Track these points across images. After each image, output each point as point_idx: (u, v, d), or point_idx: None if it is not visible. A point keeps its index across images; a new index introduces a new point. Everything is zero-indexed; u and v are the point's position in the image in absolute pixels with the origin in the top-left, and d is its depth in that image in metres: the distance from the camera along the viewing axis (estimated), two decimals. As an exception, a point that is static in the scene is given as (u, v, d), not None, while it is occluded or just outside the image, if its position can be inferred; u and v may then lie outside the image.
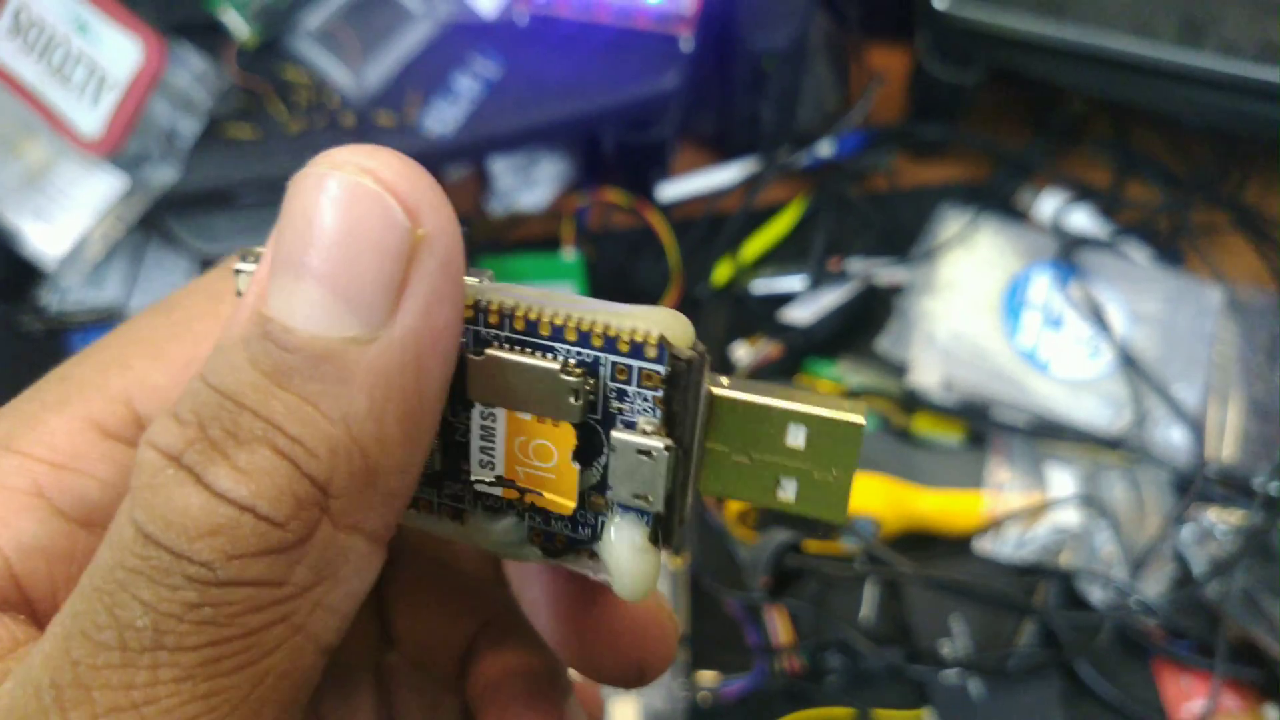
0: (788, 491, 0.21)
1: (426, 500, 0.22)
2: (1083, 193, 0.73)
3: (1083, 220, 0.72)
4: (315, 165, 0.18)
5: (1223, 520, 0.61)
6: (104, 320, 0.69)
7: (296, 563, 0.18)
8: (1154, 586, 0.60)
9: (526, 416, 0.20)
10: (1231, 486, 0.63)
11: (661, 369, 0.19)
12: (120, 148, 0.60)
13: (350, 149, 0.18)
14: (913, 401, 0.65)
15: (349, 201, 0.17)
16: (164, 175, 0.61)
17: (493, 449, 0.21)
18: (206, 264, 0.69)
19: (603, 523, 0.21)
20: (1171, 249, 0.72)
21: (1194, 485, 0.62)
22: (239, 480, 0.17)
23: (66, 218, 0.61)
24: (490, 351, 0.20)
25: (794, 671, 0.59)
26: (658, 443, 0.19)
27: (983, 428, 0.65)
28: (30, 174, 0.61)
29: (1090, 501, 0.61)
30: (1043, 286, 0.68)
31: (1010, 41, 0.65)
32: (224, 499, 0.17)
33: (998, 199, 0.74)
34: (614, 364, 0.19)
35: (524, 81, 0.63)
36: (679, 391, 0.19)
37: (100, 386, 0.22)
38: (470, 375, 0.20)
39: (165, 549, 0.17)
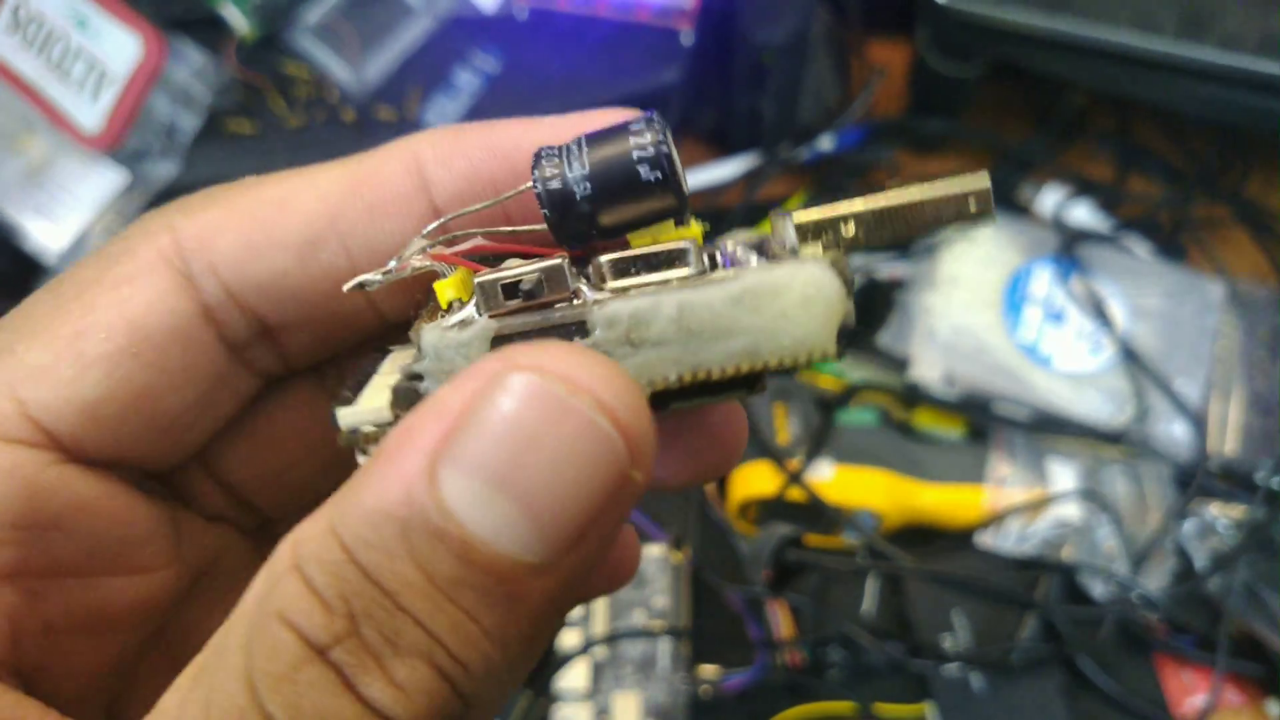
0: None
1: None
2: (1084, 187, 0.73)
3: (1084, 215, 0.72)
4: (546, 367, 0.16)
5: (1224, 515, 0.61)
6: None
7: None
8: (1155, 581, 0.60)
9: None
10: (1233, 481, 0.63)
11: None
12: (120, 143, 0.60)
13: (573, 360, 0.17)
14: (914, 396, 0.65)
15: (581, 436, 0.16)
16: (164, 170, 0.61)
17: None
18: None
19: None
20: (1173, 243, 0.72)
21: (1195, 480, 0.62)
22: (396, 698, 0.16)
23: (67, 213, 0.61)
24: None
25: (795, 665, 0.59)
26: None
27: (984, 422, 0.65)
28: (31, 169, 0.61)
29: (1091, 496, 0.61)
30: (1044, 281, 0.68)
31: (1010, 35, 0.64)
32: (376, 714, 0.16)
33: (999, 194, 0.73)
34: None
35: (524, 76, 0.63)
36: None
37: None
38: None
39: None
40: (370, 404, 0.20)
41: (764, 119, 0.73)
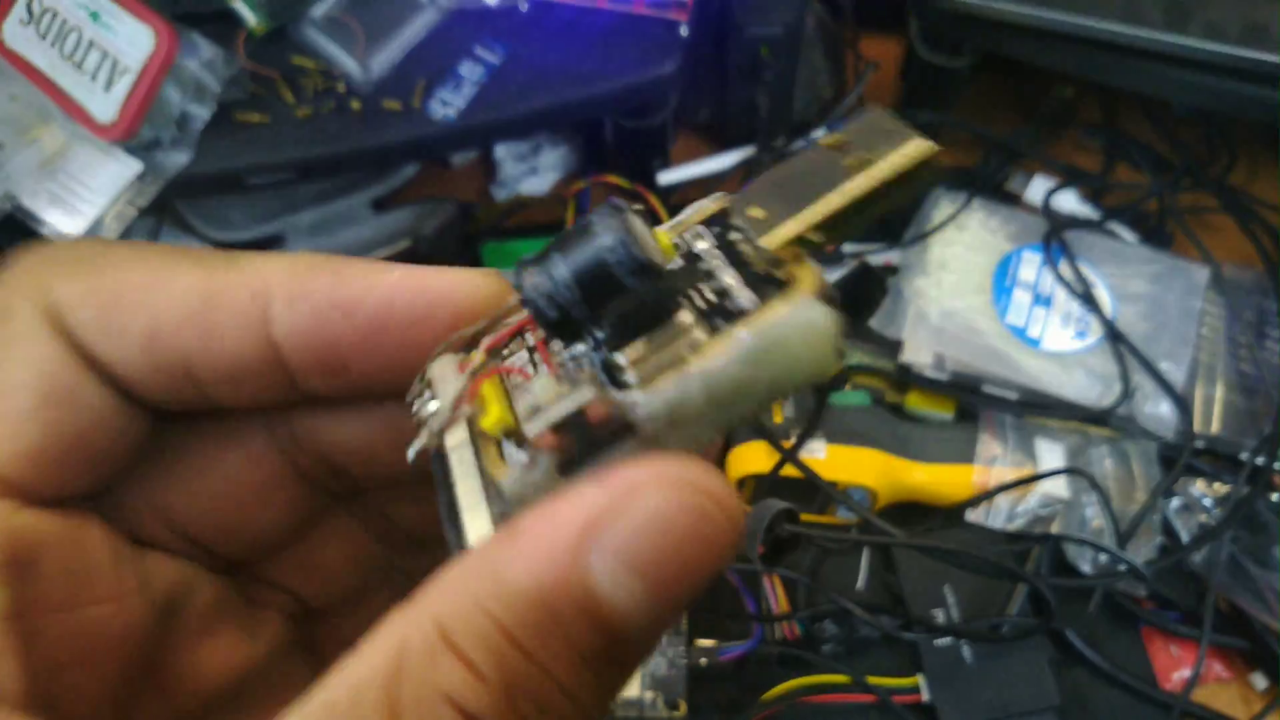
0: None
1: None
2: (1072, 176, 0.75)
3: (1072, 203, 0.73)
4: (689, 478, 0.19)
5: (1209, 492, 0.63)
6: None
7: None
8: (1142, 556, 0.61)
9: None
10: (1218, 459, 0.64)
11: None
12: (133, 133, 0.62)
13: (704, 473, 0.19)
14: (906, 378, 0.67)
15: (715, 540, 0.19)
16: (176, 159, 0.63)
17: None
18: (218, 249, 0.71)
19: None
20: (1159, 230, 0.74)
21: (1181, 458, 0.63)
22: None
23: (81, 202, 0.63)
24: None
25: (790, 638, 0.60)
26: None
27: (974, 403, 0.66)
28: (45, 159, 0.63)
29: (1079, 474, 0.63)
30: (1033, 266, 0.69)
31: (999, 25, 0.66)
32: None
33: (989, 183, 0.75)
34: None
35: (526, 67, 0.65)
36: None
37: None
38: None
39: None
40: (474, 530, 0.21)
41: (760, 112, 0.75)
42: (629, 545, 0.18)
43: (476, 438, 0.22)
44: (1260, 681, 0.60)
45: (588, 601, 0.18)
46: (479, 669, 0.17)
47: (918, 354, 0.66)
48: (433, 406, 0.22)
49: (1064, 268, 0.69)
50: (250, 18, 0.64)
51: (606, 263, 0.20)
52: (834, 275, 0.74)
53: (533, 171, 0.75)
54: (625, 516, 0.18)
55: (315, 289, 0.24)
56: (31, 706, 0.21)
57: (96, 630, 0.24)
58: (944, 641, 0.59)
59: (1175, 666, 0.60)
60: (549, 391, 0.20)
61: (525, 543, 0.19)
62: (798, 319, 0.20)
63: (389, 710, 0.17)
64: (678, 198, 0.76)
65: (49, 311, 0.23)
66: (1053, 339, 0.67)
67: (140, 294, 0.23)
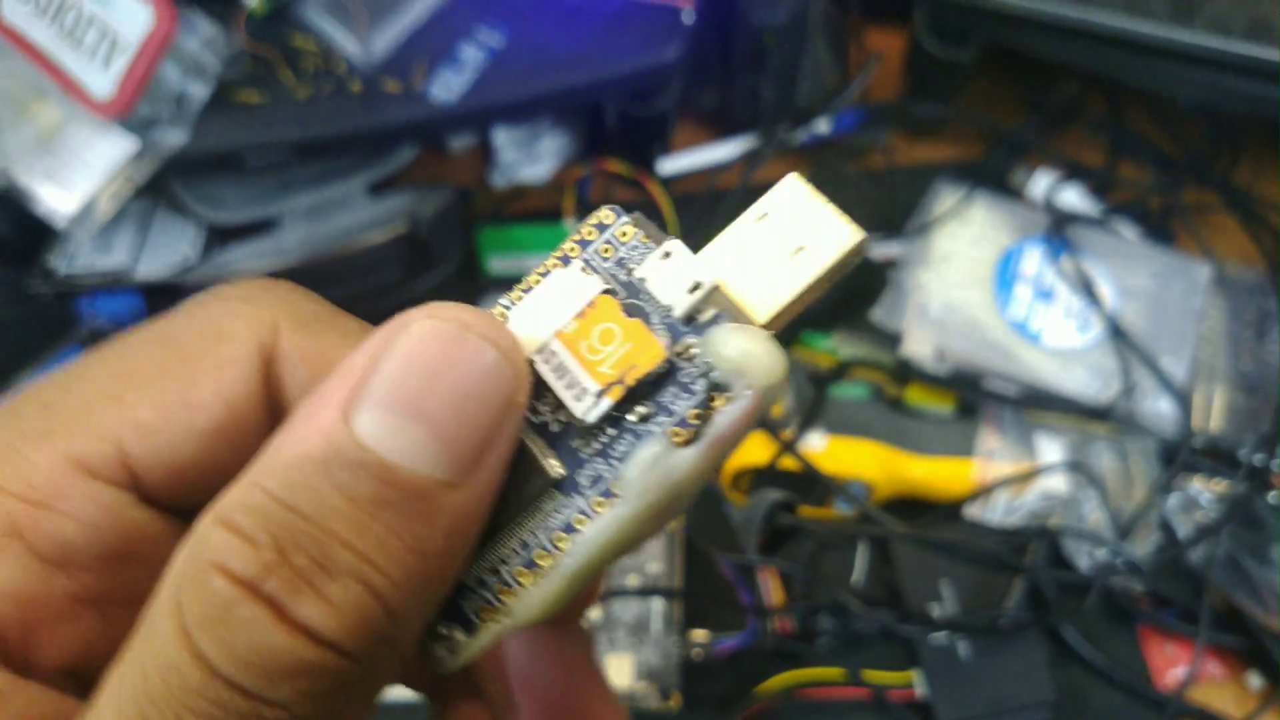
0: (808, 258, 0.22)
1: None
2: (1076, 172, 0.75)
3: (1075, 199, 0.73)
4: (438, 314, 0.19)
5: (1208, 489, 0.62)
6: (111, 285, 0.70)
7: (358, 694, 0.18)
8: (1140, 553, 0.61)
9: (571, 326, 0.22)
10: (1217, 457, 0.64)
11: (628, 218, 0.23)
12: (130, 110, 0.61)
13: (462, 309, 0.20)
14: (906, 372, 0.67)
15: (475, 362, 0.19)
16: (173, 138, 0.62)
17: (572, 374, 0.22)
18: (213, 231, 0.70)
19: (702, 360, 0.21)
20: (1162, 227, 0.73)
21: (1180, 455, 0.63)
22: (329, 613, 0.17)
23: (77, 179, 0.62)
24: (512, 311, 0.22)
25: (786, 632, 0.60)
26: (668, 244, 0.22)
27: (974, 398, 0.66)
28: (42, 135, 0.62)
29: (1078, 470, 0.63)
30: (1034, 260, 0.69)
31: (1005, 17, 0.66)
32: (311, 636, 0.17)
33: (992, 177, 0.75)
34: (596, 249, 0.23)
35: (527, 51, 0.64)
36: (651, 227, 0.23)
37: (86, 420, 0.21)
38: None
39: (242, 691, 0.16)
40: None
41: (763, 101, 0.74)
42: (390, 389, 0.18)
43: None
44: (1255, 680, 0.60)
45: (360, 453, 0.18)
46: (246, 534, 0.17)
47: (918, 347, 0.66)
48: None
49: (1066, 263, 0.69)
50: (251, -3, 0.64)
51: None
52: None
53: (532, 158, 0.75)
54: (384, 366, 0.19)
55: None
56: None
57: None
58: (940, 637, 0.59)
59: (1170, 665, 0.60)
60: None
61: (297, 421, 0.19)
62: (761, 400, 0.21)
63: (173, 599, 0.17)
64: (678, 187, 0.75)
65: (266, 349, 0.23)
66: (1054, 334, 0.66)
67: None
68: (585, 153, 0.75)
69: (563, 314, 0.22)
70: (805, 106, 0.76)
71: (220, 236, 0.70)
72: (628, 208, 0.23)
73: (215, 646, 0.16)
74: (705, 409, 0.21)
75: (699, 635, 0.59)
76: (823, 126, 0.76)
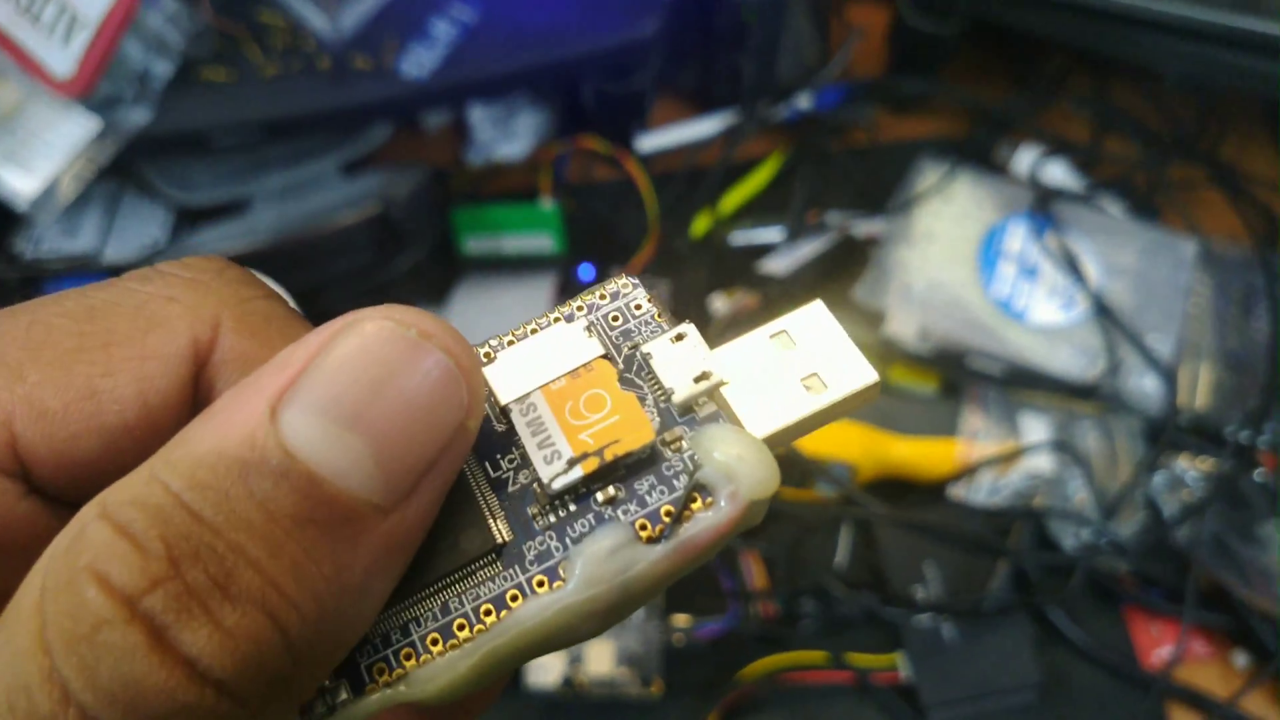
0: (817, 388, 0.21)
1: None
2: (1060, 147, 0.74)
3: (1060, 174, 0.72)
4: (394, 315, 0.17)
5: (1194, 468, 0.62)
6: (78, 269, 0.68)
7: None
8: (1126, 532, 0.60)
9: (560, 383, 0.20)
10: (1203, 435, 0.63)
11: (645, 290, 0.21)
12: (92, 89, 0.59)
13: (423, 314, 0.17)
14: (889, 352, 0.66)
15: (429, 375, 0.17)
16: (137, 117, 0.60)
17: (548, 433, 0.20)
18: (183, 213, 0.69)
19: (690, 456, 0.20)
20: (1148, 204, 0.72)
21: (1166, 433, 0.62)
22: (221, 645, 0.14)
23: (38, 159, 0.60)
24: (499, 355, 0.21)
25: (768, 616, 0.59)
26: (683, 326, 0.21)
27: (958, 377, 0.65)
28: (0, 116, 0.61)
29: (1063, 449, 0.62)
30: (1019, 237, 0.68)
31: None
32: (193, 671, 0.14)
33: (976, 153, 0.74)
34: (605, 314, 0.21)
35: (501, 26, 0.63)
36: (665, 305, 0.22)
37: None
38: (492, 385, 0.20)
39: None
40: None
41: (743, 77, 0.73)
42: (329, 390, 0.16)
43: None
44: (1241, 659, 0.59)
45: (284, 459, 0.15)
46: (135, 537, 0.14)
47: (901, 326, 0.65)
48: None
49: (1051, 240, 0.68)
50: (216, -29, 0.62)
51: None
52: (815, 246, 0.73)
53: (508, 136, 0.73)
54: (326, 363, 0.16)
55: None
56: None
57: None
58: (924, 619, 0.58)
59: (1156, 644, 0.60)
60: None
61: (217, 412, 0.16)
62: (759, 508, 0.20)
63: (37, 604, 0.14)
64: (657, 165, 0.74)
65: (198, 347, 0.20)
66: (1039, 312, 0.65)
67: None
68: (562, 130, 0.74)
69: (554, 368, 0.20)
70: (786, 82, 0.75)
71: (190, 218, 0.68)
72: (648, 282, 0.22)
73: (75, 671, 0.14)
74: (682, 509, 0.19)
75: (680, 620, 0.59)
76: (804, 102, 0.75)
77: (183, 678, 0.14)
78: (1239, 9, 0.61)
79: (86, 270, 0.67)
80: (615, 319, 0.21)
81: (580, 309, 0.21)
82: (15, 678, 0.14)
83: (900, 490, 0.63)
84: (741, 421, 0.20)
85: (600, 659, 0.57)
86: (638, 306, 0.21)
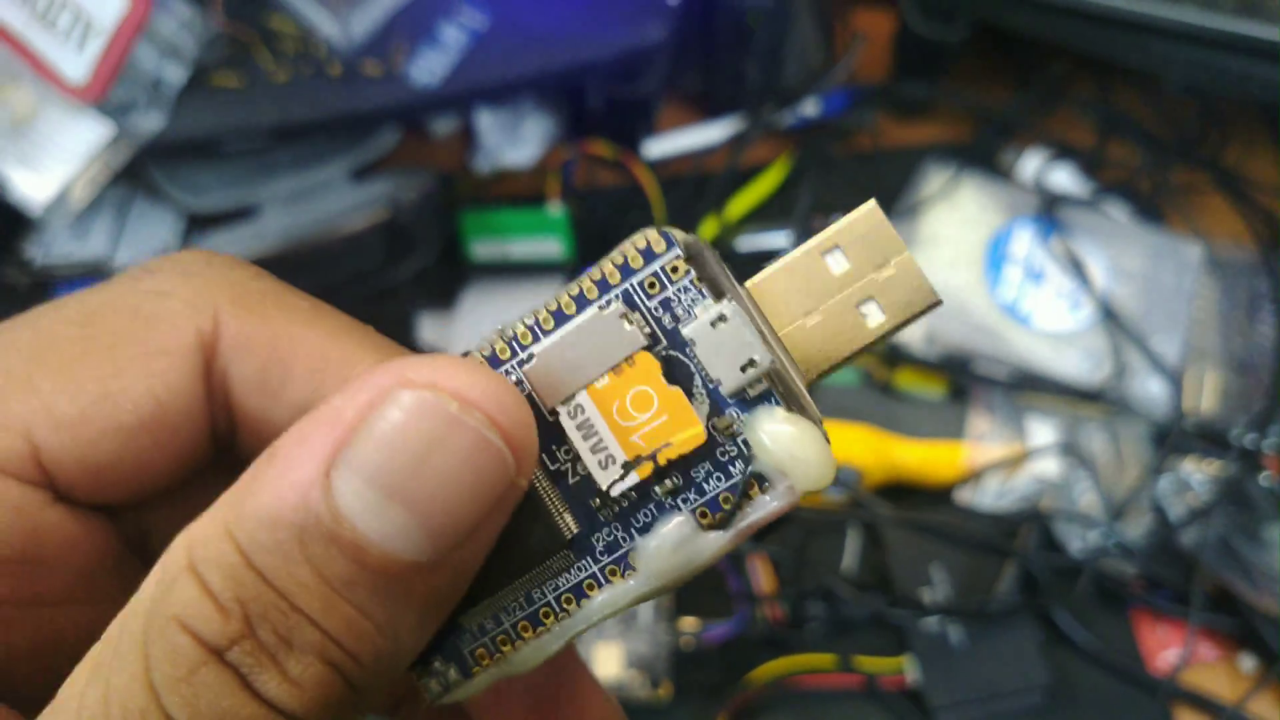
0: (874, 314, 0.20)
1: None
2: (1065, 152, 0.74)
3: (1064, 179, 0.72)
4: (438, 381, 0.17)
5: (1200, 471, 0.62)
6: (89, 274, 0.69)
7: None
8: (1132, 535, 0.61)
9: (604, 380, 0.20)
10: (1209, 439, 0.63)
11: (679, 250, 0.20)
12: (106, 95, 0.60)
13: (467, 373, 0.17)
14: (895, 356, 0.66)
15: (471, 450, 0.17)
16: (150, 122, 0.61)
17: (599, 437, 0.20)
18: (192, 218, 0.69)
19: (744, 441, 0.20)
20: (1152, 208, 0.73)
21: (1172, 437, 0.62)
22: (291, 693, 0.17)
23: (52, 164, 0.61)
24: (537, 350, 0.20)
25: (776, 619, 0.59)
26: (723, 306, 0.19)
27: (964, 381, 0.65)
28: (15, 120, 0.61)
29: (1070, 452, 0.62)
30: (1024, 241, 0.68)
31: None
32: (273, 709, 0.17)
33: (981, 158, 0.74)
34: (640, 282, 0.20)
35: (510, 32, 0.63)
36: (705, 262, 0.20)
37: None
38: (535, 387, 0.20)
39: None
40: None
41: (748, 82, 0.74)
42: (375, 461, 0.17)
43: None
44: (1247, 662, 0.59)
45: (335, 526, 0.16)
46: (218, 597, 0.16)
47: (908, 330, 0.65)
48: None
49: (1056, 244, 0.68)
50: (227, -23, 0.62)
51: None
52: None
53: (516, 141, 0.74)
54: (371, 432, 0.17)
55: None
56: None
57: (72, 627, 0.22)
58: (931, 622, 0.58)
59: (1162, 647, 0.60)
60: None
61: (276, 463, 0.17)
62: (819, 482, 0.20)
63: (140, 641, 0.17)
64: (664, 170, 0.74)
65: (205, 340, 0.21)
66: (1045, 316, 0.66)
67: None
68: (569, 136, 0.74)
69: (597, 365, 0.20)
70: (791, 88, 0.75)
71: (200, 223, 0.69)
72: (672, 234, 0.20)
73: (180, 707, 0.16)
74: (741, 496, 0.19)
75: (688, 623, 0.59)
76: (810, 108, 0.75)
77: (268, 712, 0.16)
78: (1241, 14, 0.62)
79: (97, 275, 0.68)
80: (652, 287, 0.20)
81: (613, 274, 0.20)
82: (129, 702, 0.16)
83: (907, 493, 0.63)
84: (794, 383, 0.20)
85: (608, 662, 0.57)
86: (674, 270, 0.20)
